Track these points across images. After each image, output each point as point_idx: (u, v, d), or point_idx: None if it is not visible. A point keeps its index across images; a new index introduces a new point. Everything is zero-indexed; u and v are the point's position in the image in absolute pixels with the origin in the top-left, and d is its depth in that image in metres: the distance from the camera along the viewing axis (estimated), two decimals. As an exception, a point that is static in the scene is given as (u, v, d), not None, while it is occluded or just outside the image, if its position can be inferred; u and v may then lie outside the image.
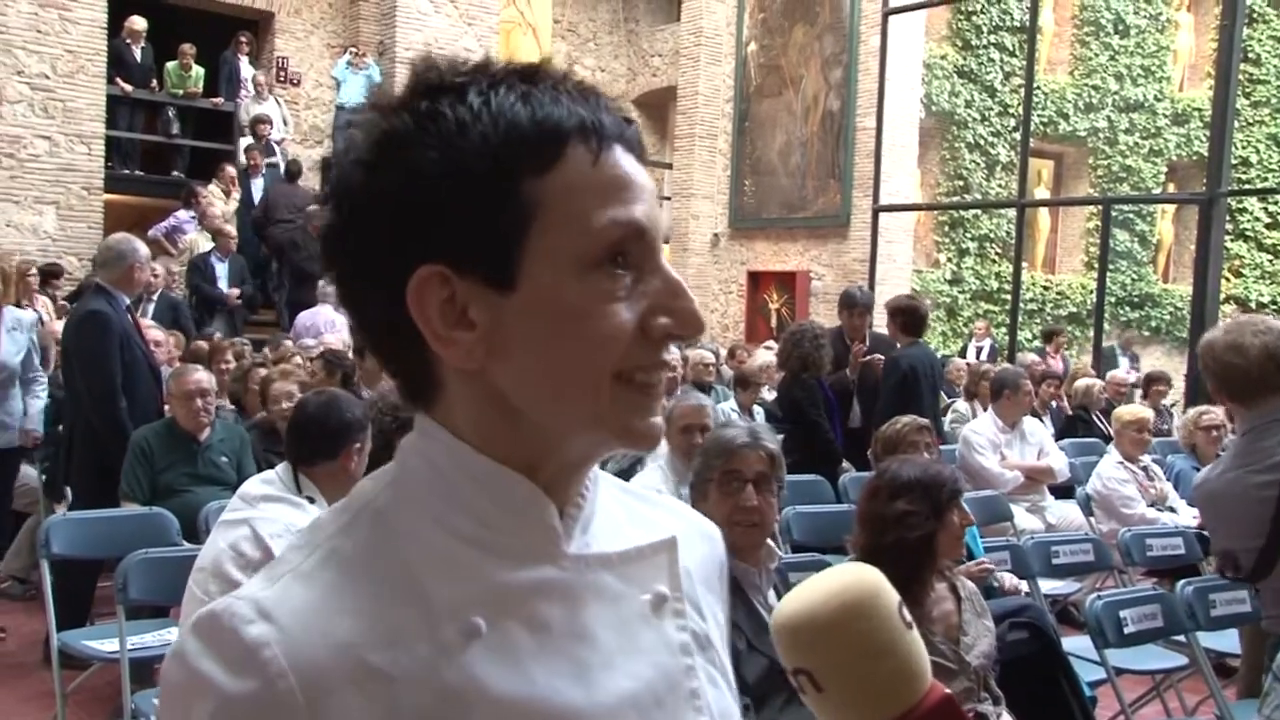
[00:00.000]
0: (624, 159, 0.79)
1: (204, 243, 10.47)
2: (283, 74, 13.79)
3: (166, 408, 5.20)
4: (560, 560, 0.81)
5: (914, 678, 0.86)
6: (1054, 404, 8.75)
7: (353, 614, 0.74)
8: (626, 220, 0.78)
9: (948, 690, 0.88)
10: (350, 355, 6.19)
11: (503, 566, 0.79)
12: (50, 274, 9.45)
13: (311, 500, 3.18)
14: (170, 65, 12.35)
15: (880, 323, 7.38)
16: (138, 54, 11.99)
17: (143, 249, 5.29)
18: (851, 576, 0.88)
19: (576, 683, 0.78)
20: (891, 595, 0.87)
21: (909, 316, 6.39)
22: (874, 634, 0.85)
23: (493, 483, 0.79)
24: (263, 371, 5.79)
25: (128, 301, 5.23)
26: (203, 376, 5.08)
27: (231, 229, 10.51)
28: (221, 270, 10.21)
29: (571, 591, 0.80)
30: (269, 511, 3.13)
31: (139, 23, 11.99)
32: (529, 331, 0.76)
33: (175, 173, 12.44)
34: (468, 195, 0.75)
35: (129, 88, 11.81)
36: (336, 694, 0.72)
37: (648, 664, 0.82)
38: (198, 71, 12.48)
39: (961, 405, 8.44)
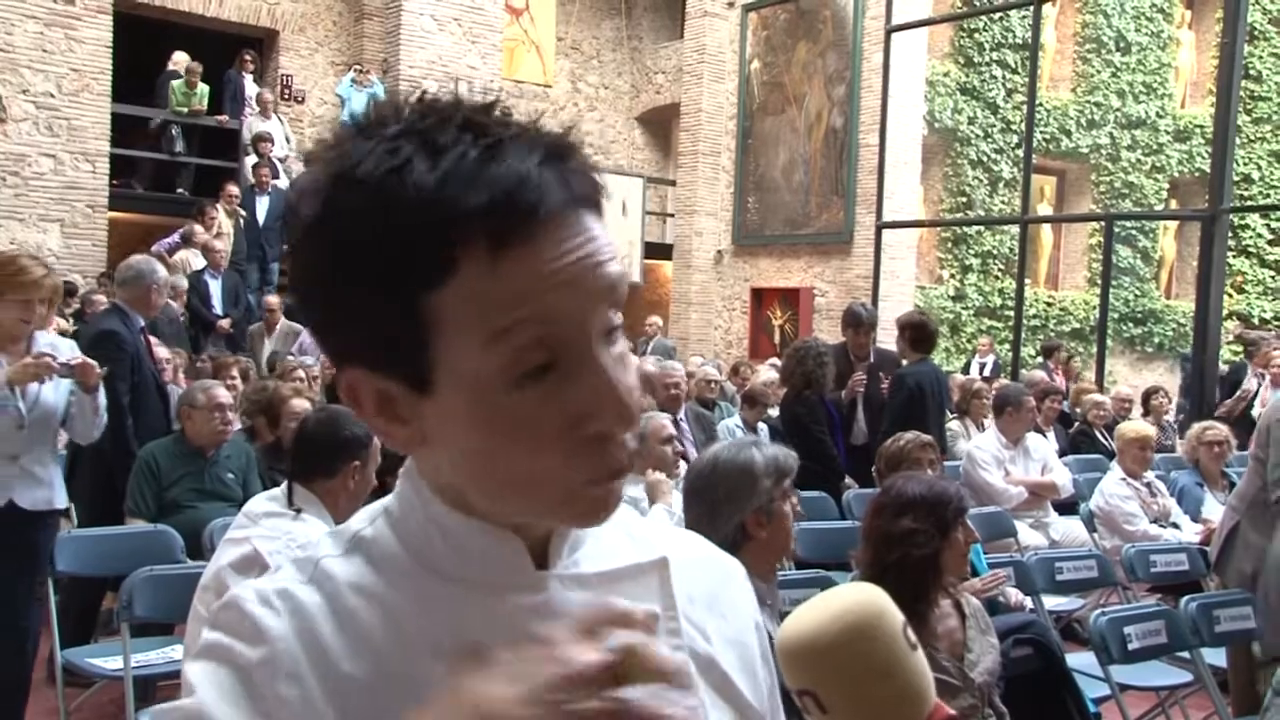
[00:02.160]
0: (556, 235, 0.72)
1: (194, 259, 10.48)
2: (287, 91, 13.85)
3: (176, 425, 5.19)
4: (536, 583, 0.81)
5: (918, 698, 0.86)
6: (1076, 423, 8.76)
7: (333, 629, 0.78)
8: (535, 324, 0.71)
9: (952, 711, 0.88)
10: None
11: (480, 599, 0.80)
12: (67, 291, 9.44)
13: (299, 512, 3.16)
14: (175, 83, 12.42)
15: (884, 339, 7.38)
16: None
17: (161, 272, 5.27)
18: (855, 597, 0.88)
19: None
20: (896, 616, 0.87)
21: (918, 332, 6.39)
22: (878, 655, 0.85)
23: (460, 533, 0.81)
24: (299, 404, 5.51)
25: (142, 323, 5.24)
26: (225, 392, 5.11)
27: (220, 245, 10.50)
28: (215, 287, 10.21)
29: (551, 611, 0.80)
30: (270, 528, 3.13)
31: (183, 57, 12.45)
32: (454, 433, 0.75)
33: (180, 190, 12.49)
34: (363, 305, 0.72)
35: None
36: (305, 681, 0.76)
37: None
38: (203, 89, 12.55)
39: (954, 424, 8.43)
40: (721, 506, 2.71)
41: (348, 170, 0.72)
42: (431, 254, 0.70)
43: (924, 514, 2.76)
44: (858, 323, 6.82)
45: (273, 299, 9.84)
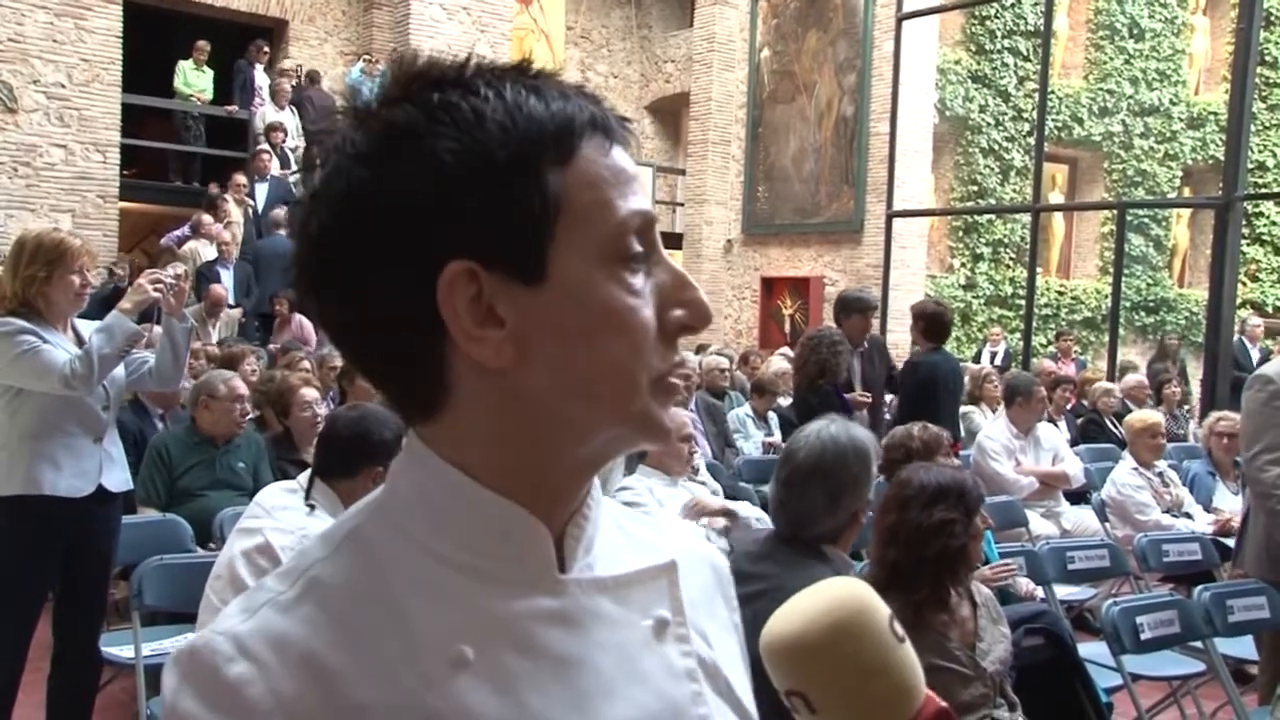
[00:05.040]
0: (623, 155, 0.79)
1: (204, 250, 10.48)
2: (298, 79, 13.85)
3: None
4: (555, 588, 0.78)
5: (908, 693, 0.85)
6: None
7: (334, 647, 0.72)
8: (643, 210, 0.77)
9: (943, 703, 0.87)
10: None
11: (494, 595, 0.76)
12: None
13: (313, 507, 3.14)
14: (185, 63, 12.41)
15: (896, 328, 7.37)
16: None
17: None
18: (840, 595, 0.86)
19: (572, 711, 0.75)
20: (882, 610, 0.86)
21: (933, 323, 6.38)
22: (866, 652, 0.84)
23: (485, 511, 0.77)
24: (309, 393, 5.47)
25: None
26: (243, 383, 5.12)
27: (228, 235, 10.50)
28: (227, 278, 10.23)
29: (568, 617, 0.78)
30: (284, 520, 3.12)
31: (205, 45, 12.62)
32: (559, 326, 0.74)
33: (191, 183, 12.51)
34: (492, 187, 0.72)
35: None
36: None
37: (650, 692, 0.79)
38: (206, 75, 12.55)
39: (971, 409, 8.42)
40: (847, 493, 2.67)
41: (449, 80, 0.76)
42: (560, 136, 0.75)
43: (954, 503, 2.72)
44: (864, 308, 6.78)
45: (218, 288, 9.75)
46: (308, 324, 9.94)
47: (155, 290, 3.82)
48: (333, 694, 0.71)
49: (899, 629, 0.86)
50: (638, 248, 0.77)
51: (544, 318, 0.74)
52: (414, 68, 0.77)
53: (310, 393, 5.37)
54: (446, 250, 0.73)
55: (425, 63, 0.77)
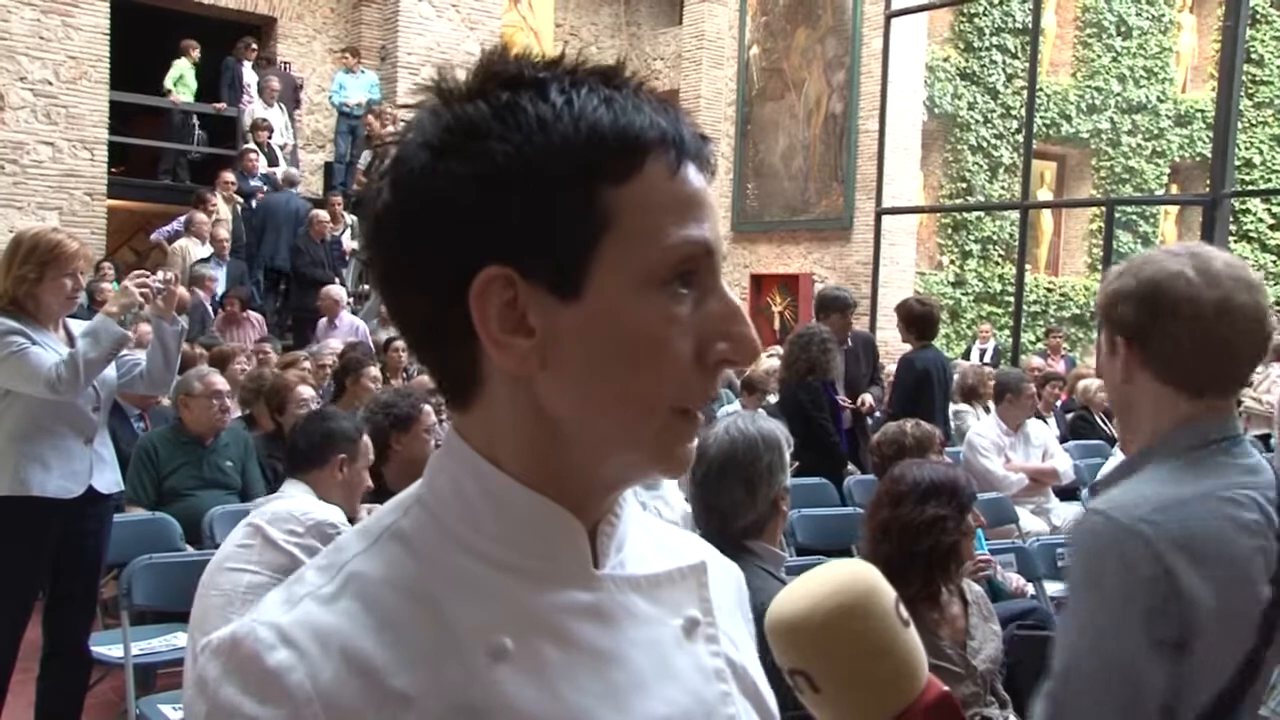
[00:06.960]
0: (696, 177, 0.77)
1: (195, 248, 10.41)
2: (297, 90, 13.80)
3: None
4: (590, 583, 0.79)
5: (911, 675, 0.85)
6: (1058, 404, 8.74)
7: (375, 638, 0.73)
8: (698, 239, 0.76)
9: (945, 687, 0.87)
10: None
11: (531, 590, 0.77)
12: None
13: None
14: (180, 62, 12.33)
15: (886, 324, 7.38)
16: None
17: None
18: (847, 575, 0.86)
19: (608, 704, 0.76)
20: (888, 593, 0.86)
21: (921, 324, 6.44)
22: (871, 634, 0.84)
23: (521, 508, 0.77)
24: (305, 391, 5.46)
25: None
26: (222, 379, 5.12)
27: (222, 232, 10.47)
28: (220, 275, 10.19)
29: (602, 613, 0.78)
30: (271, 508, 3.14)
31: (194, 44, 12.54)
32: (587, 344, 0.74)
33: (174, 179, 12.45)
34: (542, 197, 0.72)
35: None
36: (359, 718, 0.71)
37: (682, 689, 0.80)
38: (189, 73, 12.49)
39: (964, 407, 8.43)
40: (763, 481, 2.66)
41: (524, 80, 0.75)
42: (622, 154, 0.74)
43: (947, 500, 2.72)
44: (843, 306, 6.80)
45: (184, 293, 9.63)
46: (263, 321, 9.93)
47: (141, 293, 3.79)
48: (374, 685, 0.71)
49: (904, 612, 0.86)
50: (685, 276, 0.75)
51: (573, 334, 0.74)
52: (496, 63, 0.76)
53: (306, 390, 5.37)
54: (486, 253, 0.73)
55: (509, 59, 0.77)
